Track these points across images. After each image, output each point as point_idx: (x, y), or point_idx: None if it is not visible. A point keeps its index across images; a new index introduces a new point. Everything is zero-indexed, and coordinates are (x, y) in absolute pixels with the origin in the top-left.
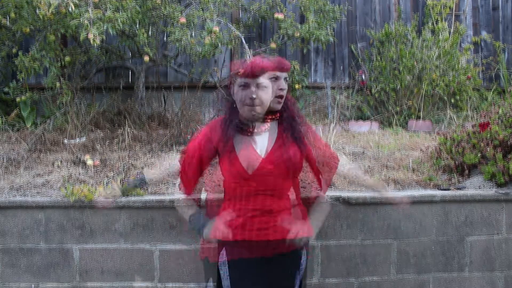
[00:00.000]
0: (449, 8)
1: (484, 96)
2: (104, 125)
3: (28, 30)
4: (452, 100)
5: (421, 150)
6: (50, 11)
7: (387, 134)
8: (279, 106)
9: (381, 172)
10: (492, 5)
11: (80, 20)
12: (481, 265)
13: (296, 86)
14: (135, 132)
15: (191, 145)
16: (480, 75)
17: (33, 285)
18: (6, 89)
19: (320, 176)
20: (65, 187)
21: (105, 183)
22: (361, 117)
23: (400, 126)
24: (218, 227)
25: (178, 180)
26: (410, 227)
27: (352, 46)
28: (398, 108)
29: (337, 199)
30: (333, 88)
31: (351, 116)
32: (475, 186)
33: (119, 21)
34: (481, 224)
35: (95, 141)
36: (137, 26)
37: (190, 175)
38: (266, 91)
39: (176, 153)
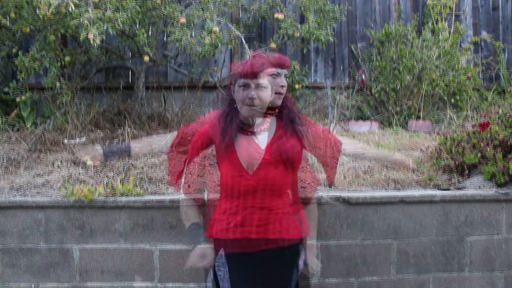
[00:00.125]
0: (449, 8)
1: (484, 96)
2: (104, 125)
3: (28, 30)
4: (452, 100)
5: (421, 150)
6: (50, 11)
7: (387, 134)
8: (279, 102)
9: (381, 172)
10: (492, 5)
11: (80, 20)
12: (481, 265)
13: (296, 86)
14: (135, 132)
15: (192, 143)
16: (480, 75)
17: (33, 285)
18: (6, 89)
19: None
20: (65, 187)
21: (105, 183)
22: (361, 117)
23: (400, 126)
24: (190, 258)
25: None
26: (410, 227)
27: (352, 46)
28: (398, 108)
29: (337, 199)
30: (333, 88)
31: (351, 116)
32: (475, 186)
33: (119, 21)
34: (481, 224)
35: (95, 141)
36: (137, 26)
37: (181, 162)
38: (266, 91)
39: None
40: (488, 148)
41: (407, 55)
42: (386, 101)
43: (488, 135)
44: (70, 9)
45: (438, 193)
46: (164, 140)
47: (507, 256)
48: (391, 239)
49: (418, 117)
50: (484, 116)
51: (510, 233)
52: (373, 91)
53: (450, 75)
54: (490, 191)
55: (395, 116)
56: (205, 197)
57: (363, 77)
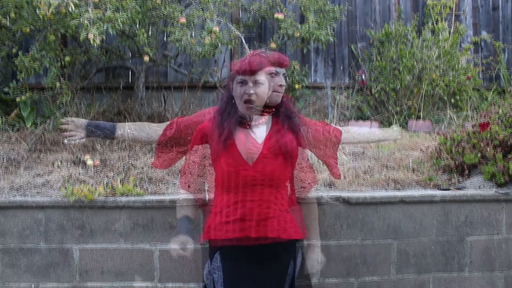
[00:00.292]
0: (449, 8)
1: (484, 96)
2: None
3: (28, 30)
4: (452, 100)
5: (421, 150)
6: (50, 11)
7: None
8: (278, 100)
9: (381, 172)
10: (492, 5)
11: (80, 20)
12: (481, 265)
13: (296, 86)
14: (135, 133)
15: (193, 139)
16: (480, 75)
17: (33, 285)
18: (6, 89)
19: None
20: (65, 187)
21: (105, 183)
22: (361, 117)
23: (400, 126)
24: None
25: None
26: (410, 227)
27: (352, 46)
28: (398, 108)
29: (337, 199)
30: (333, 88)
31: (351, 116)
32: (475, 186)
33: (119, 21)
34: (481, 224)
35: (95, 141)
36: (137, 26)
37: (172, 152)
38: (263, 87)
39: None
40: (488, 148)
41: (407, 55)
42: (386, 101)
43: (488, 135)
44: (70, 9)
45: (438, 193)
46: (154, 130)
47: (507, 256)
48: (391, 239)
49: (418, 117)
50: (484, 116)
51: (510, 233)
52: (373, 91)
53: (450, 75)
54: (490, 191)
55: (395, 116)
56: (205, 197)
57: (363, 77)
